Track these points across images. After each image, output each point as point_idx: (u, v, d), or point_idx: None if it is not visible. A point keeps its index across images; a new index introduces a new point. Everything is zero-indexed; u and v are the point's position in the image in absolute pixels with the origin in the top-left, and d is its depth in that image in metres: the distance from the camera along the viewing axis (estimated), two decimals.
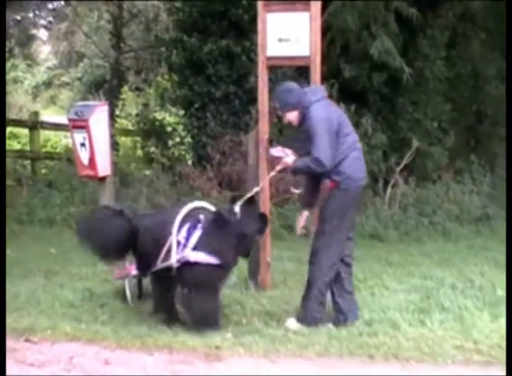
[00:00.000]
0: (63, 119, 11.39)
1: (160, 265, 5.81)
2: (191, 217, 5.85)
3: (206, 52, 11.55)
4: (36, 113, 13.79)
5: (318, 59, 6.77)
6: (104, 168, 7.48)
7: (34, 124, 13.20)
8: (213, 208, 6.00)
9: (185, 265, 5.73)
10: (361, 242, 8.17)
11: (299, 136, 6.05)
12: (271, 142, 7.54)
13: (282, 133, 11.04)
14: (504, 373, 4.85)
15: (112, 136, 8.56)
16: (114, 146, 11.63)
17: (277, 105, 5.98)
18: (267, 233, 6.71)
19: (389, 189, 10.87)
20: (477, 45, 12.00)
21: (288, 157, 5.90)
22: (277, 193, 9.94)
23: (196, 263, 5.71)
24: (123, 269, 6.60)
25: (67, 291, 6.79)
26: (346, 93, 11.09)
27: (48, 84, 32.51)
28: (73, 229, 6.36)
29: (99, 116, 7.39)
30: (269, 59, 6.97)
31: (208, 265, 5.70)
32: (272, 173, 6.17)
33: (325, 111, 5.79)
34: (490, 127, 12.13)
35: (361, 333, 5.70)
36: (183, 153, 12.72)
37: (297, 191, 6.93)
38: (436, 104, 11.96)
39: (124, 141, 15.18)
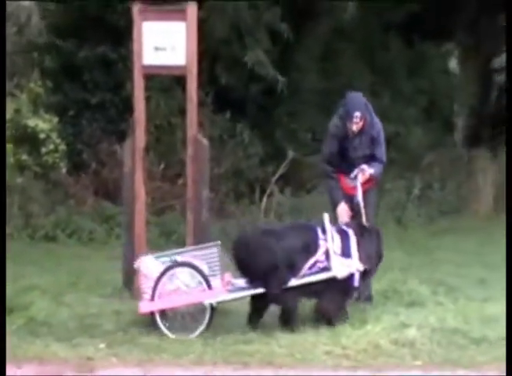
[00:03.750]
0: None
1: (320, 276, 5.88)
2: (332, 228, 6.05)
3: (81, 57, 11.34)
4: None
5: (194, 68, 6.83)
6: None
7: None
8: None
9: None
10: None
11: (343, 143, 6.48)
12: (147, 151, 7.51)
13: (159, 141, 11.00)
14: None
15: None
16: None
17: (358, 114, 6.29)
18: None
19: (265, 199, 11.02)
20: (348, 58, 12.35)
21: (366, 170, 6.39)
22: (153, 202, 9.90)
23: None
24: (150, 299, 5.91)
25: None
26: (223, 101, 11.16)
27: None
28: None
29: None
30: (145, 67, 6.96)
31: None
32: (359, 188, 6.38)
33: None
34: None
35: (236, 341, 5.75)
36: (57, 160, 12.41)
37: None
38: (311, 115, 12.20)
39: None
